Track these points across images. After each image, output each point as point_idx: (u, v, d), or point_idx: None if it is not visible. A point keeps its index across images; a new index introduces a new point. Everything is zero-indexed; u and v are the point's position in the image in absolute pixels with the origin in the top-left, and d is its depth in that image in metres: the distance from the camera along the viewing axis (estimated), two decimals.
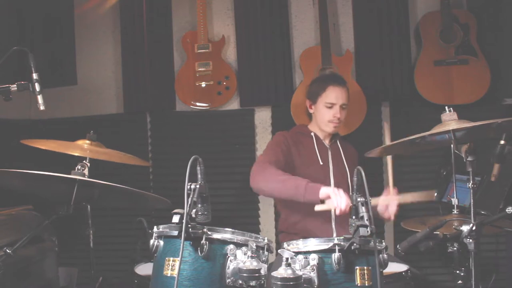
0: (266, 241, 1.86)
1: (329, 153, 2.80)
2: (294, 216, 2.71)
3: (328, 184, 2.70)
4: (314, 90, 2.81)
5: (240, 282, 1.73)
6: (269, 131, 3.53)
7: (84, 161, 2.33)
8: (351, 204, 2.24)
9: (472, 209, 1.96)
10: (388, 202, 2.55)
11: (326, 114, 2.75)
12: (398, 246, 1.97)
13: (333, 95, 2.74)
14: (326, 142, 2.84)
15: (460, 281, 2.02)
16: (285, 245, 1.85)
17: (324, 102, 2.75)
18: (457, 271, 2.03)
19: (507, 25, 3.23)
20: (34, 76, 2.04)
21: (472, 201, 1.98)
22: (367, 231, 1.69)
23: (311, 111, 2.84)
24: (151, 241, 1.84)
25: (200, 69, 3.45)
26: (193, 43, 3.46)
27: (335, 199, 2.30)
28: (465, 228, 1.91)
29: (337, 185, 2.69)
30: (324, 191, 2.36)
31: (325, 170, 2.75)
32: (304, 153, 2.76)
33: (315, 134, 2.82)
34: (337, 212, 2.29)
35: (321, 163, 2.74)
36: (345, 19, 3.53)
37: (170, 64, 3.56)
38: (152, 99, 3.52)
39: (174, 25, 3.57)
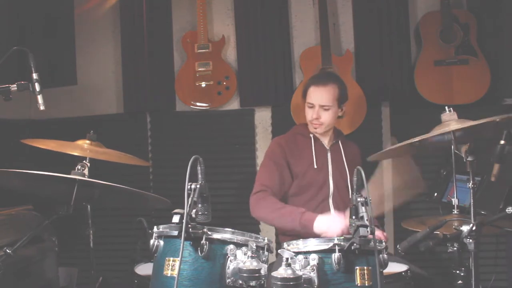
0: (266, 241, 1.86)
1: (329, 155, 2.75)
2: None
3: (327, 188, 2.69)
4: (303, 89, 2.78)
5: (240, 282, 1.73)
6: (269, 131, 3.53)
7: (84, 161, 2.33)
8: (346, 226, 2.28)
9: (472, 209, 1.95)
10: None
11: (308, 114, 2.71)
12: (398, 246, 1.97)
13: (312, 95, 2.69)
14: (326, 143, 2.78)
15: (460, 281, 2.02)
16: (285, 245, 1.85)
17: (306, 102, 2.72)
18: (457, 271, 2.03)
19: (507, 25, 3.23)
20: (34, 76, 2.04)
21: (472, 201, 1.98)
22: (367, 231, 1.69)
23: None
24: (151, 241, 1.84)
25: (200, 69, 3.45)
26: (193, 43, 3.47)
27: (328, 233, 2.33)
28: (465, 228, 1.91)
29: (336, 188, 2.70)
30: (317, 229, 2.38)
31: (323, 173, 2.71)
32: (302, 157, 2.72)
33: (313, 136, 2.77)
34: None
35: (315, 166, 2.69)
36: (345, 19, 3.53)
37: (170, 64, 3.56)
38: (152, 99, 3.52)
39: (174, 25, 3.58)
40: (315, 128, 2.71)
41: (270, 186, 2.63)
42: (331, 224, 2.36)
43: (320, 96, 2.67)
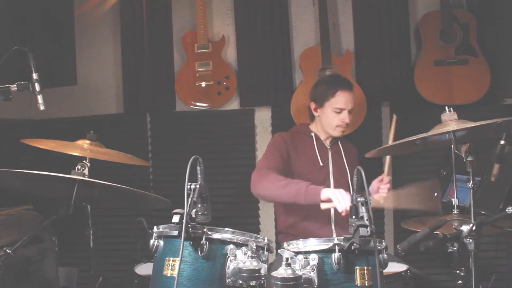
0: (266, 241, 1.86)
1: (330, 154, 2.77)
2: (293, 218, 2.70)
3: (328, 186, 2.69)
4: (321, 93, 2.73)
5: (240, 282, 1.73)
6: (269, 131, 3.54)
7: (84, 161, 2.33)
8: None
9: (472, 209, 1.96)
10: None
11: (334, 119, 2.69)
12: (398, 246, 1.97)
13: (343, 100, 2.68)
14: (327, 143, 2.81)
15: (460, 281, 2.02)
16: (285, 245, 1.85)
17: (332, 107, 2.68)
18: (457, 271, 2.03)
19: (507, 25, 3.23)
20: (34, 76, 2.04)
21: (472, 201, 1.98)
22: (367, 231, 1.69)
23: (316, 114, 2.78)
24: (151, 241, 1.84)
25: (200, 69, 3.45)
26: (193, 43, 3.46)
27: (337, 201, 2.27)
28: (465, 228, 1.91)
29: (337, 187, 2.67)
30: (325, 193, 2.34)
31: (324, 171, 2.73)
32: (304, 154, 2.73)
33: (315, 135, 2.79)
34: (343, 213, 2.25)
35: (321, 164, 2.72)
36: (345, 19, 3.53)
37: (170, 64, 3.56)
38: (152, 99, 3.52)
39: (174, 25, 3.57)
40: (342, 132, 2.73)
41: (272, 168, 2.58)
42: (339, 194, 2.29)
43: (350, 101, 2.70)
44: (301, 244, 1.81)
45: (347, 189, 2.67)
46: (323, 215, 2.63)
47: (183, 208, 1.71)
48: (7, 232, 2.35)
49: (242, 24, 3.51)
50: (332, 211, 2.66)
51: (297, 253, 1.77)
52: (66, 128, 3.53)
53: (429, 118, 2.27)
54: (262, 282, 1.73)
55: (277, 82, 3.46)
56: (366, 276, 1.75)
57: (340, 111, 2.68)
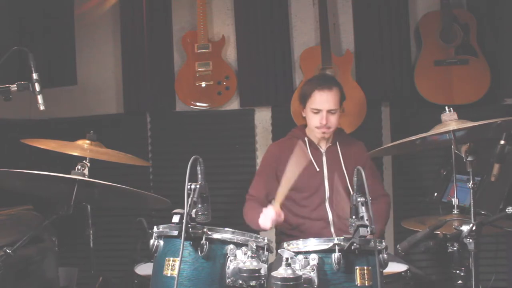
0: (266, 241, 1.87)
1: (324, 158, 2.70)
2: (293, 219, 2.68)
3: (323, 192, 2.66)
4: (302, 94, 2.69)
5: (240, 282, 1.73)
6: (269, 131, 3.53)
7: (84, 161, 2.33)
8: (269, 223, 2.38)
9: (472, 209, 1.96)
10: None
11: (313, 119, 2.62)
12: (398, 246, 1.97)
13: (318, 100, 2.60)
14: (322, 146, 2.73)
15: (460, 281, 2.01)
16: (285, 245, 1.84)
17: (310, 108, 2.63)
18: (457, 271, 2.02)
19: (507, 25, 3.23)
20: (34, 76, 2.04)
21: (472, 201, 1.98)
22: (367, 231, 1.69)
23: (303, 114, 2.73)
24: (151, 241, 1.84)
25: (200, 69, 3.45)
26: (193, 43, 3.46)
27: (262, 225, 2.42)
28: (465, 228, 1.91)
29: (332, 191, 2.65)
30: (261, 223, 2.44)
31: (318, 177, 2.67)
32: None
33: (308, 139, 2.72)
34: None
35: (317, 169, 2.67)
36: (345, 19, 3.52)
37: (170, 64, 3.56)
38: (152, 99, 3.52)
39: (174, 25, 3.57)
40: (324, 133, 2.64)
41: (256, 196, 2.71)
42: (261, 217, 2.42)
43: (326, 101, 2.60)
44: (301, 244, 1.81)
45: (345, 192, 2.60)
46: (322, 217, 2.64)
47: (183, 208, 1.71)
48: (7, 232, 2.35)
49: (242, 24, 3.50)
50: (330, 216, 2.65)
51: (297, 253, 1.77)
52: (66, 128, 3.53)
53: (429, 118, 2.26)
54: (262, 282, 1.73)
55: (277, 82, 3.46)
56: (366, 276, 1.75)
57: (317, 111, 2.61)
